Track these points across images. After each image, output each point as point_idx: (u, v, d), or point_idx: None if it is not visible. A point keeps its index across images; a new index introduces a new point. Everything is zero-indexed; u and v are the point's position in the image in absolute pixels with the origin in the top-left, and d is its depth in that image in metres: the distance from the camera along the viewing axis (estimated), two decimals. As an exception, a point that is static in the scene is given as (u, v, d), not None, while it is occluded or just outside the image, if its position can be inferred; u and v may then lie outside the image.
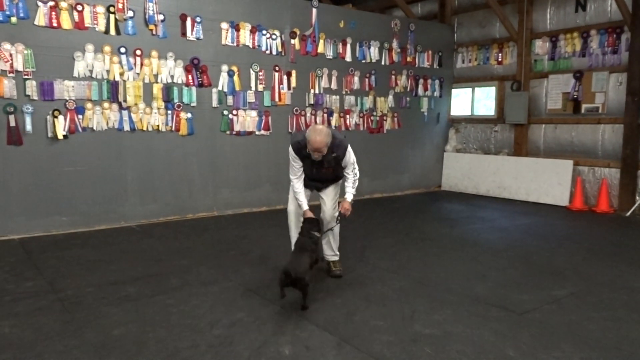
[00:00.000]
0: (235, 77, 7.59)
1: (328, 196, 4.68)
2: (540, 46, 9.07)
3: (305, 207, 4.46)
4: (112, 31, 6.53)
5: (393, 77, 9.54)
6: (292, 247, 4.43)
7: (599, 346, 3.30)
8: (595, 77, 8.27)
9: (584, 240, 6.22)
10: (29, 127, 6.07)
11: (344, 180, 4.69)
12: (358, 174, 4.62)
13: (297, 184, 4.49)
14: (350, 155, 4.49)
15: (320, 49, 8.49)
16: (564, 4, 8.76)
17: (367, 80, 9.16)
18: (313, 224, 4.34)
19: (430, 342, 3.33)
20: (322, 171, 4.48)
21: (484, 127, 10.23)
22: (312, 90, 8.44)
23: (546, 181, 8.82)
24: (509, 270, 4.95)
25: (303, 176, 4.52)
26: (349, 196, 4.55)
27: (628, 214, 7.78)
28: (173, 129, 7.12)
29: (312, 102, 8.43)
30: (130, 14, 6.63)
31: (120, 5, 6.52)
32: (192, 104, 7.24)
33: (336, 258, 4.77)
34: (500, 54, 9.74)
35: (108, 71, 6.53)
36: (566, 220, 7.49)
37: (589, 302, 4.09)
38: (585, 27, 8.46)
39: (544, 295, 4.24)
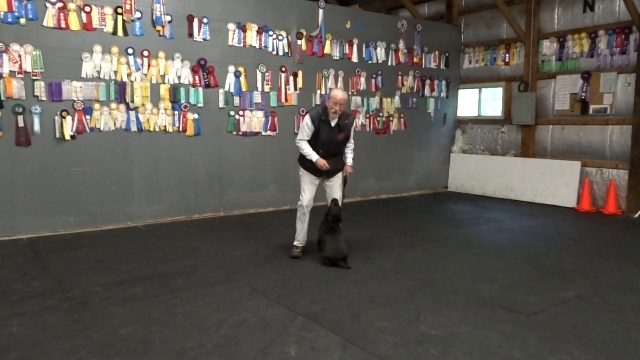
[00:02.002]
0: (242, 78, 7.61)
1: (336, 190, 5.37)
2: (548, 47, 9.02)
3: (317, 157, 5.12)
4: (120, 32, 6.56)
5: (399, 77, 9.52)
6: (299, 232, 5.33)
7: (606, 348, 3.28)
8: (604, 78, 8.21)
9: (591, 242, 6.18)
10: (37, 127, 6.12)
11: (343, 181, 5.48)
12: (354, 145, 5.46)
13: (305, 145, 5.17)
14: (353, 128, 5.36)
15: (326, 50, 8.49)
16: (572, 5, 8.71)
17: (373, 80, 9.15)
18: (337, 212, 5.14)
19: (436, 343, 3.32)
20: (338, 136, 5.16)
21: (491, 127, 10.19)
22: (318, 91, 8.44)
23: (553, 182, 8.77)
24: (516, 272, 4.93)
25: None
26: (350, 161, 5.39)
27: (636, 215, 7.72)
28: (180, 129, 7.15)
29: (318, 102, 8.43)
30: (138, 15, 6.67)
31: (127, 7, 6.56)
32: (199, 105, 7.27)
33: None
34: (507, 55, 9.70)
35: (115, 72, 6.57)
36: (573, 222, 7.45)
37: (596, 304, 4.07)
38: (593, 27, 8.41)
39: (550, 297, 4.22)
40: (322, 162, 5.11)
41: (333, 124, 5.12)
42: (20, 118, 6.00)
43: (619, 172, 8.13)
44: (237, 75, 7.55)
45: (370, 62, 9.08)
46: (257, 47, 7.75)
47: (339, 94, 5.04)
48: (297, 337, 3.39)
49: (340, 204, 5.32)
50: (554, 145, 9.09)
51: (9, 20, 5.87)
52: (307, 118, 5.14)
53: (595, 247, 5.94)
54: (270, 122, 7.95)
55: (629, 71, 7.96)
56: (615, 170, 8.18)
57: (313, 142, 5.17)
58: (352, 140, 5.35)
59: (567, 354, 3.19)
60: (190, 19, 7.10)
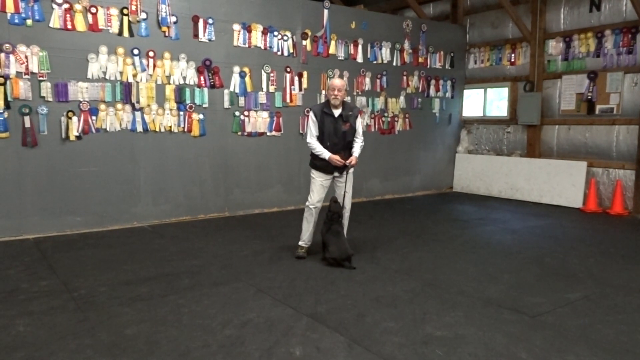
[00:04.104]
0: (247, 79, 7.62)
1: (345, 188, 5.34)
2: (554, 46, 8.99)
3: (329, 154, 5.14)
4: (126, 33, 6.59)
5: (404, 78, 9.51)
6: (305, 233, 5.34)
7: (613, 350, 3.26)
8: (610, 78, 8.18)
9: (597, 243, 6.15)
10: (43, 128, 6.15)
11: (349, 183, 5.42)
12: (363, 143, 5.42)
13: (315, 144, 5.20)
14: (360, 123, 5.37)
15: (331, 50, 8.49)
16: (578, 4, 8.67)
17: (378, 81, 9.14)
18: (337, 209, 5.15)
19: (442, 344, 3.31)
20: (343, 128, 5.18)
21: (497, 128, 10.16)
22: (323, 91, 8.44)
23: (559, 183, 8.74)
24: (522, 273, 4.91)
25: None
26: (356, 153, 5.33)
27: (643, 216, 7.68)
28: (185, 130, 7.17)
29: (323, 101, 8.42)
30: (143, 15, 6.69)
31: (133, 8, 6.58)
32: (204, 105, 7.28)
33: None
34: (513, 55, 9.67)
35: (121, 72, 6.59)
36: (580, 222, 7.41)
37: (602, 305, 4.05)
38: (599, 27, 8.37)
39: (557, 298, 4.20)
40: (336, 158, 5.12)
41: (336, 114, 5.16)
42: (26, 119, 6.03)
43: (625, 172, 8.08)
44: (242, 75, 7.57)
45: (375, 62, 9.08)
46: (262, 47, 7.76)
47: (335, 81, 5.17)
48: (302, 338, 3.39)
49: (349, 200, 5.36)
50: (560, 145, 9.06)
51: (16, 21, 5.91)
52: (311, 113, 5.25)
53: (601, 247, 5.91)
54: (275, 122, 7.95)
55: (636, 71, 7.92)
56: (621, 171, 8.13)
57: (320, 136, 5.20)
58: (360, 136, 5.34)
59: (574, 355, 3.18)
60: (195, 19, 7.12)
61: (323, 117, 5.15)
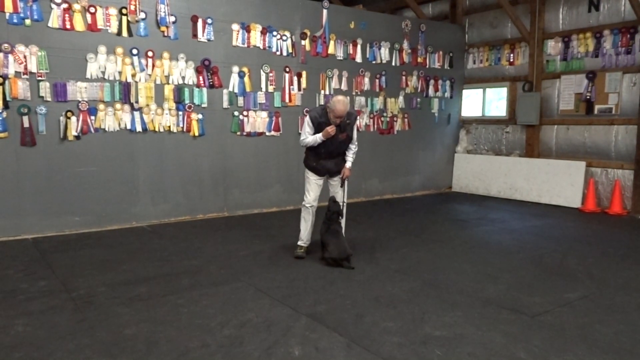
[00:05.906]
0: (246, 78, 7.62)
1: (340, 189, 5.37)
2: (553, 46, 8.99)
3: (320, 138, 5.06)
4: (125, 33, 6.58)
5: (403, 77, 9.52)
6: (303, 232, 5.33)
7: (612, 350, 3.26)
8: (609, 78, 8.18)
9: (596, 243, 6.16)
10: (42, 128, 6.15)
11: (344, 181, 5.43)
12: (357, 149, 5.41)
13: (307, 138, 5.14)
14: (356, 129, 5.34)
15: (330, 50, 8.49)
16: (577, 4, 8.68)
17: (377, 81, 9.15)
18: (336, 209, 5.15)
19: (441, 344, 3.31)
20: (339, 138, 5.13)
21: (495, 128, 10.17)
22: (322, 91, 8.44)
23: (558, 183, 8.75)
24: (521, 272, 4.91)
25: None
26: (349, 164, 5.33)
27: (642, 216, 7.69)
28: (184, 130, 7.16)
29: (322, 103, 8.43)
30: (142, 15, 6.69)
31: (132, 7, 6.58)
32: (203, 105, 7.28)
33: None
34: (511, 55, 9.68)
35: (120, 72, 6.59)
36: (578, 222, 7.42)
37: (601, 305, 4.05)
38: (598, 27, 8.38)
39: (556, 298, 4.20)
40: (327, 132, 4.98)
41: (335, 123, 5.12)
42: (25, 119, 6.03)
43: (624, 172, 8.09)
44: (241, 75, 7.56)
45: (374, 62, 9.08)
46: (261, 47, 7.76)
47: (339, 107, 4.94)
48: (301, 338, 3.39)
49: (344, 202, 5.35)
50: (559, 145, 9.06)
51: (15, 21, 5.90)
52: (307, 118, 5.18)
53: (600, 247, 5.91)
54: (274, 122, 7.95)
55: (634, 71, 7.93)
56: (620, 171, 8.14)
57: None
58: (355, 142, 5.31)
59: (573, 354, 3.18)
60: (194, 19, 7.11)
61: (321, 125, 5.08)
